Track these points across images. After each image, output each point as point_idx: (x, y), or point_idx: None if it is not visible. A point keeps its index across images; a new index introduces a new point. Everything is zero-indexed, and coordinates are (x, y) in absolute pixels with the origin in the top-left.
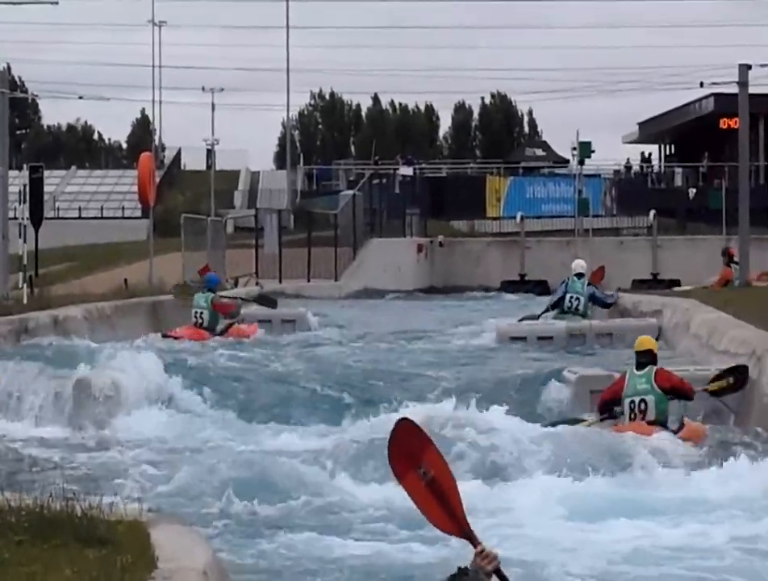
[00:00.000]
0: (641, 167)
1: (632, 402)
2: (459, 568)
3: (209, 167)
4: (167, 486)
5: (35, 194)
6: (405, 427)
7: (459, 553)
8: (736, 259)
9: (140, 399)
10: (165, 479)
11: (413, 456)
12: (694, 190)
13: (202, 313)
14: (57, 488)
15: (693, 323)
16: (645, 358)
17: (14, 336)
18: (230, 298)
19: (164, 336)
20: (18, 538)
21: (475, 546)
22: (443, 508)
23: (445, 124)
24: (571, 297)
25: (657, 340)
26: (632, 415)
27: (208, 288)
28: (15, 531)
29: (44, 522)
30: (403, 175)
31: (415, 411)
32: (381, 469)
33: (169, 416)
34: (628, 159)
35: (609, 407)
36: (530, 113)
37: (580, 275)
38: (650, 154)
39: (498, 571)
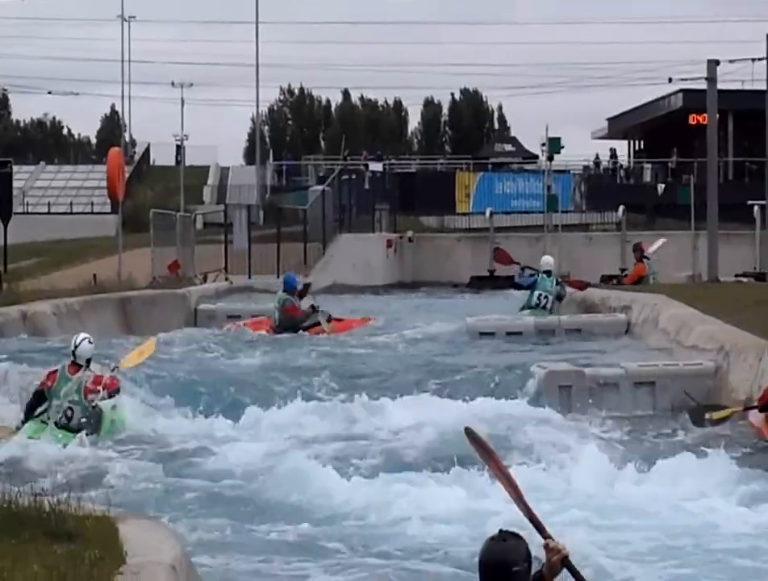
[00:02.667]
0: (608, 163)
1: None
2: (500, 530)
3: (178, 162)
4: (138, 484)
5: (4, 189)
6: (469, 433)
7: None
8: (647, 254)
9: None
10: (138, 478)
11: (489, 454)
12: (663, 186)
13: (276, 311)
14: (26, 484)
15: (661, 318)
16: None
17: None
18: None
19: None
20: None
21: (544, 538)
22: (519, 499)
23: (415, 120)
24: (540, 294)
25: (625, 335)
26: None
27: (284, 289)
28: None
29: (12, 517)
30: (373, 171)
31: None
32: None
33: (144, 411)
34: (597, 154)
35: None
36: (500, 108)
37: (548, 272)
38: (614, 149)
39: (567, 564)
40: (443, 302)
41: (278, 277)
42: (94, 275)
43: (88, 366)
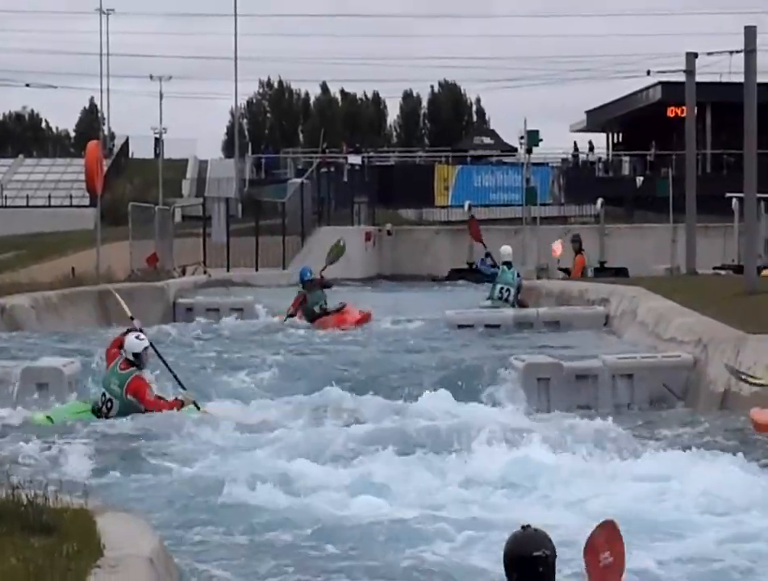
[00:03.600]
0: (577, 155)
1: None
2: (522, 526)
3: (157, 156)
4: (112, 477)
5: None
6: (609, 528)
7: None
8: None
9: (86, 388)
10: (112, 469)
11: (618, 554)
12: (642, 179)
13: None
14: (3, 477)
15: (640, 311)
16: None
17: None
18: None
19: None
20: None
21: None
22: None
23: (394, 113)
24: (502, 288)
25: (603, 327)
26: None
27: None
28: None
29: None
30: (352, 164)
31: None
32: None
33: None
34: (575, 144)
35: None
36: (478, 101)
37: (509, 264)
38: (590, 142)
39: None
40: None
41: (257, 270)
42: (73, 268)
43: (137, 363)
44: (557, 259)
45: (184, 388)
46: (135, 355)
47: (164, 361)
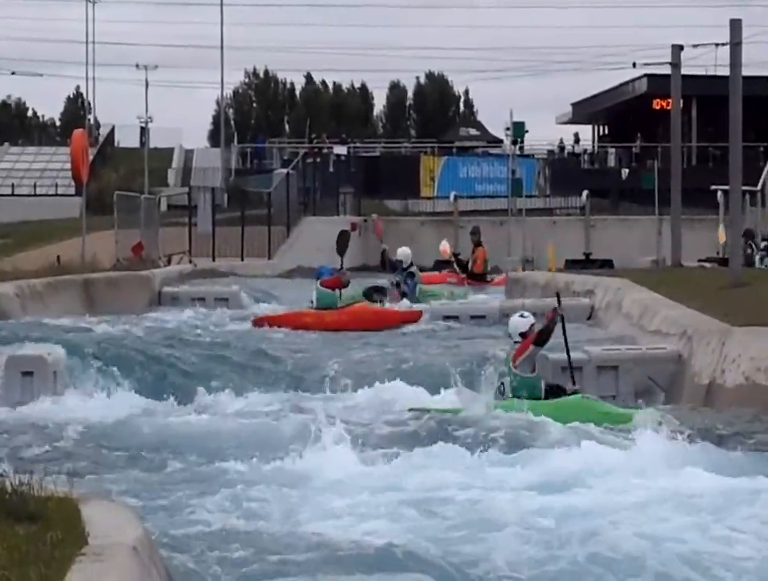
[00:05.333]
0: (562, 147)
1: None
2: None
3: (142, 145)
4: (99, 464)
5: None
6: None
7: None
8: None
9: (71, 377)
10: (100, 458)
11: None
12: (627, 171)
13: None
14: None
15: (624, 302)
16: None
17: None
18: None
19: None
20: None
21: None
22: None
23: (380, 103)
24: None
25: (588, 319)
26: None
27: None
28: None
29: None
30: (337, 154)
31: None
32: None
33: (103, 394)
34: (561, 139)
35: None
36: (466, 93)
37: (412, 263)
38: (576, 133)
39: None
40: None
41: (242, 260)
42: (58, 257)
43: (520, 340)
44: (448, 258)
45: (574, 383)
46: (522, 335)
47: (565, 340)
